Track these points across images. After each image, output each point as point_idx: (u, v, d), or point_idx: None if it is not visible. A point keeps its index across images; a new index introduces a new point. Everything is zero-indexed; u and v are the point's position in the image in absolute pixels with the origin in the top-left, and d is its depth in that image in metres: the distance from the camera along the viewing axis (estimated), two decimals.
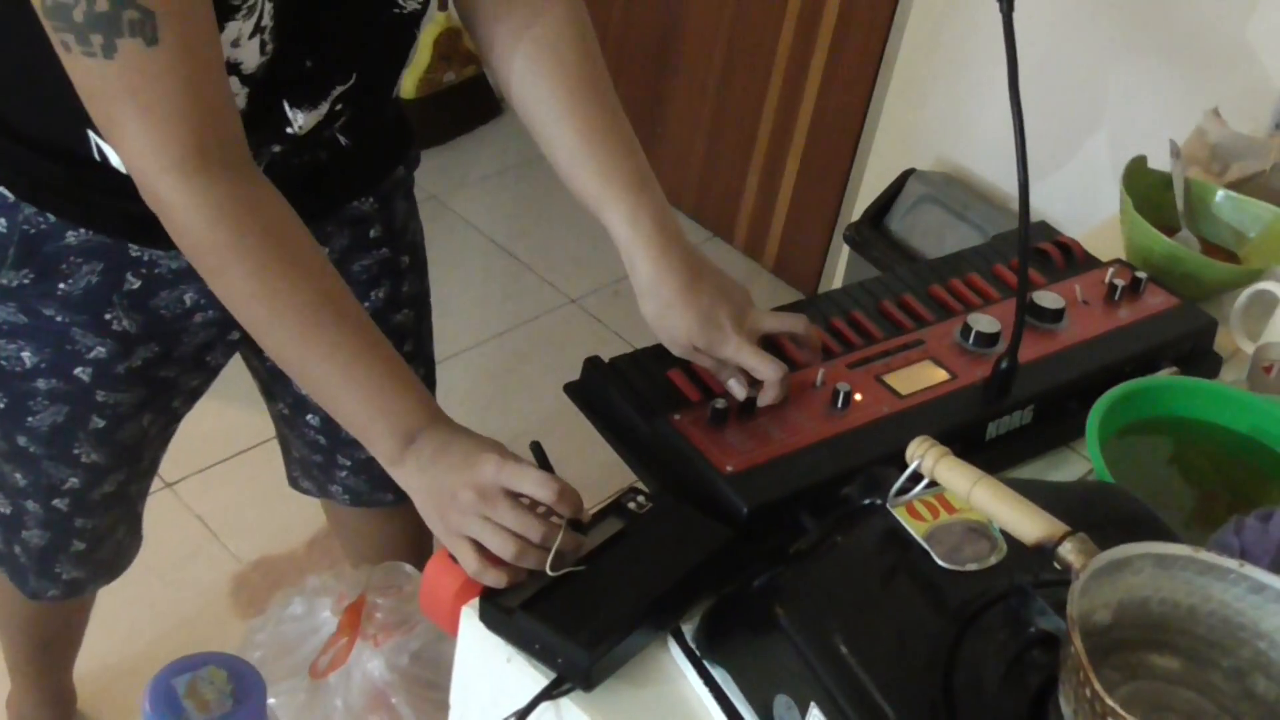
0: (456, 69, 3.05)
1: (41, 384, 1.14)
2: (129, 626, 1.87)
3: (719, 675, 0.88)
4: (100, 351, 1.13)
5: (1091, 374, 1.12)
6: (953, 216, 2.28)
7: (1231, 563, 0.76)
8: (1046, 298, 1.17)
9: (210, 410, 1.41)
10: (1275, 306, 1.26)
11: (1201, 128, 1.60)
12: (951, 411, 1.06)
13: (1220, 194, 1.43)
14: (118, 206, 1.03)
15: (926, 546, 0.83)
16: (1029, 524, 0.78)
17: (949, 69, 2.34)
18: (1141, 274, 1.23)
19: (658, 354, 1.08)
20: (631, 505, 0.96)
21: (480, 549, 0.88)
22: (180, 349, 1.19)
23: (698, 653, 0.90)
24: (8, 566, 1.34)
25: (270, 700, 1.20)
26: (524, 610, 0.86)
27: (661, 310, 1.05)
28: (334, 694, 1.27)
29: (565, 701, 0.87)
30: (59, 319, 1.11)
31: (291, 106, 1.04)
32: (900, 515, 0.85)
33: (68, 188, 1.06)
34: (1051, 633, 0.76)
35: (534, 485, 0.89)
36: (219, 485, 2.15)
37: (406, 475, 0.95)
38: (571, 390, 1.09)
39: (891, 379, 1.08)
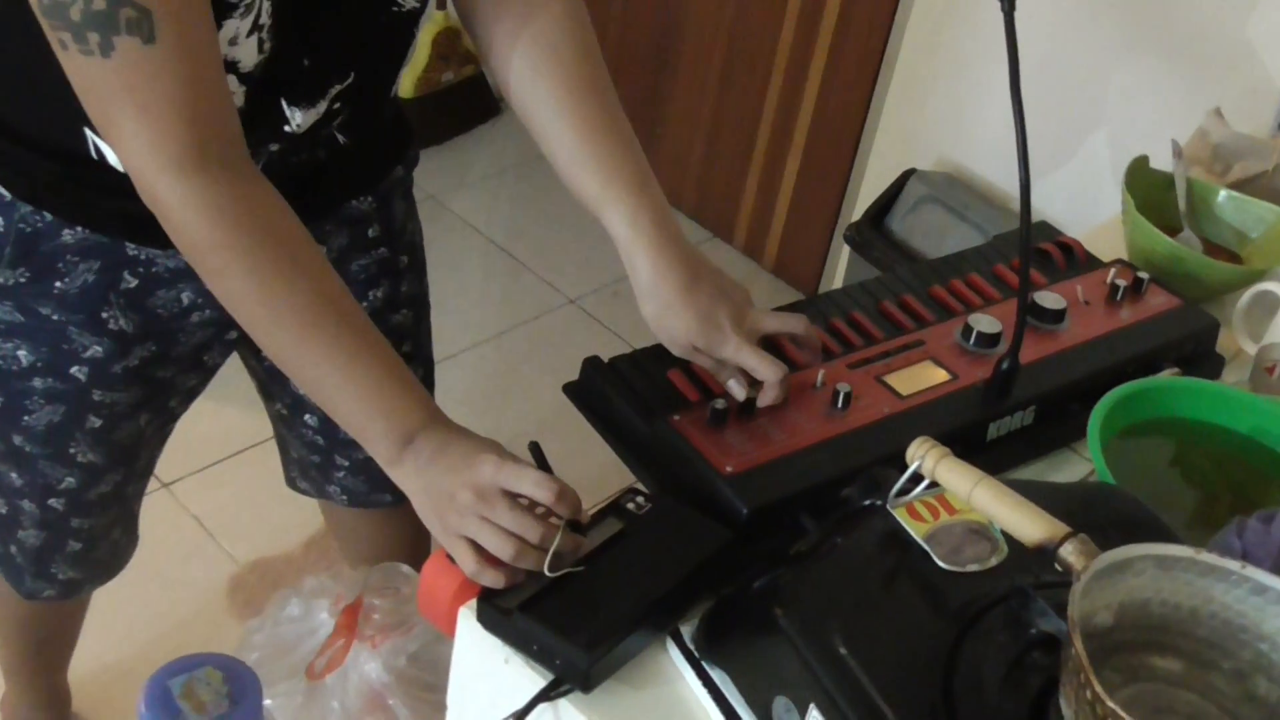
0: (455, 68, 3.05)
1: (38, 383, 1.14)
2: (125, 627, 1.87)
3: (718, 677, 0.88)
4: (97, 351, 1.13)
5: (1093, 375, 1.12)
6: (953, 216, 2.28)
7: (1233, 564, 0.75)
8: (1048, 298, 1.17)
9: (207, 410, 1.41)
10: (1277, 307, 1.26)
11: (1203, 128, 1.60)
12: (952, 412, 1.06)
13: (1222, 194, 1.43)
14: (115, 205, 1.03)
15: (927, 548, 0.83)
16: (1030, 525, 0.77)
17: (950, 69, 2.34)
18: (1143, 274, 1.23)
19: (657, 354, 1.07)
20: (630, 506, 0.95)
21: (478, 550, 0.88)
22: (177, 348, 1.18)
23: (697, 654, 0.89)
24: (3, 567, 1.34)
25: (267, 702, 1.19)
26: (522, 611, 0.86)
27: (661, 310, 1.04)
28: (331, 695, 1.26)
29: (563, 703, 0.86)
30: (55, 318, 1.11)
31: (289, 105, 1.03)
32: (901, 516, 0.84)
33: (65, 186, 1.05)
34: (1052, 634, 0.75)
35: (532, 486, 0.89)
36: (216, 486, 2.14)
37: (404, 476, 0.94)
38: (570, 390, 1.08)
39: (892, 379, 1.07)
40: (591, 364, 1.07)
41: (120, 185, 0.95)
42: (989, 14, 1.05)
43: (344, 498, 1.40)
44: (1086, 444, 1.02)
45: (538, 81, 1.08)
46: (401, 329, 1.31)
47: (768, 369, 1.02)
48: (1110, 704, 0.65)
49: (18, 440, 1.18)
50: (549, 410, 2.16)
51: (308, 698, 1.28)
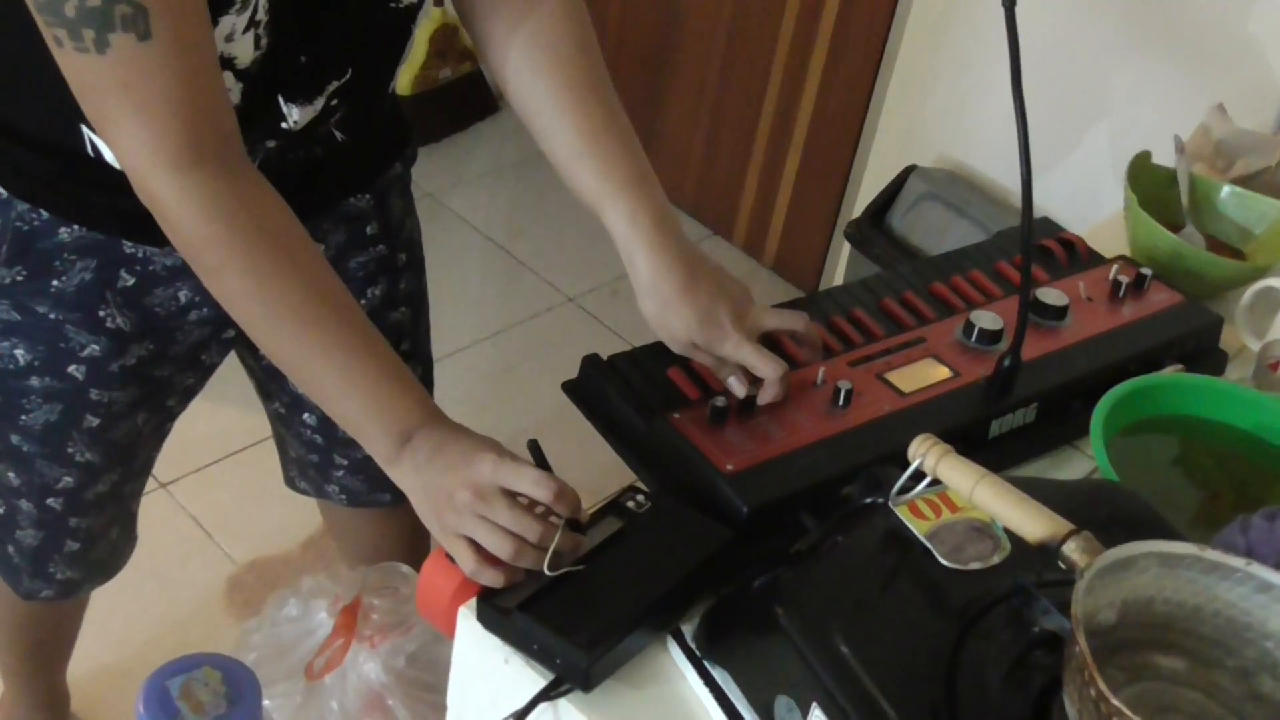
0: (452, 65, 3.05)
1: (35, 382, 1.14)
2: (123, 628, 1.86)
3: (719, 676, 0.87)
4: (94, 349, 1.13)
5: (1096, 372, 1.12)
6: (954, 213, 2.28)
7: (1238, 562, 0.75)
8: (1050, 295, 1.16)
9: (205, 410, 1.41)
10: None
11: (1206, 124, 1.60)
12: (954, 409, 1.05)
13: (1225, 190, 1.42)
14: (112, 203, 1.03)
15: (929, 546, 0.82)
16: (1032, 523, 0.77)
17: (950, 65, 2.34)
18: (1146, 271, 1.22)
19: (657, 352, 1.07)
20: (630, 505, 0.95)
21: (477, 549, 0.88)
22: (175, 347, 1.18)
23: (698, 653, 0.89)
24: (1, 567, 1.34)
25: (265, 702, 1.19)
26: (522, 611, 0.86)
27: (661, 308, 1.04)
28: (330, 696, 1.26)
29: (564, 703, 0.86)
30: (52, 316, 1.10)
31: (287, 102, 1.03)
32: (902, 514, 0.84)
33: (61, 184, 1.05)
34: (1055, 633, 0.75)
35: (531, 484, 0.88)
36: (214, 485, 2.14)
37: (403, 474, 0.94)
38: (570, 389, 1.08)
39: (893, 377, 1.07)
40: (591, 362, 1.07)
41: (117, 183, 0.94)
42: (990, 10, 1.04)
43: (343, 497, 1.40)
44: (1089, 441, 1.02)
45: (537, 79, 1.07)
46: (400, 327, 1.31)
47: (768, 366, 1.01)
48: (1115, 702, 0.65)
49: (15, 439, 1.18)
50: (548, 409, 2.15)
51: (306, 698, 1.27)
